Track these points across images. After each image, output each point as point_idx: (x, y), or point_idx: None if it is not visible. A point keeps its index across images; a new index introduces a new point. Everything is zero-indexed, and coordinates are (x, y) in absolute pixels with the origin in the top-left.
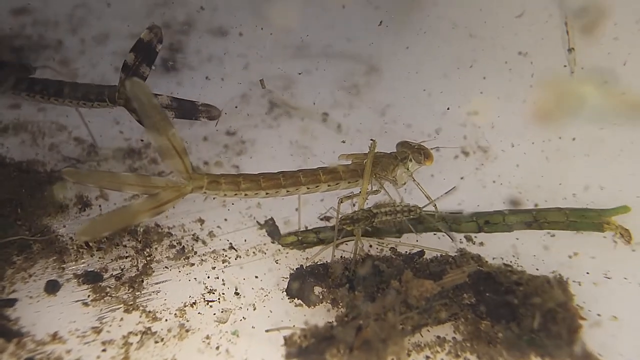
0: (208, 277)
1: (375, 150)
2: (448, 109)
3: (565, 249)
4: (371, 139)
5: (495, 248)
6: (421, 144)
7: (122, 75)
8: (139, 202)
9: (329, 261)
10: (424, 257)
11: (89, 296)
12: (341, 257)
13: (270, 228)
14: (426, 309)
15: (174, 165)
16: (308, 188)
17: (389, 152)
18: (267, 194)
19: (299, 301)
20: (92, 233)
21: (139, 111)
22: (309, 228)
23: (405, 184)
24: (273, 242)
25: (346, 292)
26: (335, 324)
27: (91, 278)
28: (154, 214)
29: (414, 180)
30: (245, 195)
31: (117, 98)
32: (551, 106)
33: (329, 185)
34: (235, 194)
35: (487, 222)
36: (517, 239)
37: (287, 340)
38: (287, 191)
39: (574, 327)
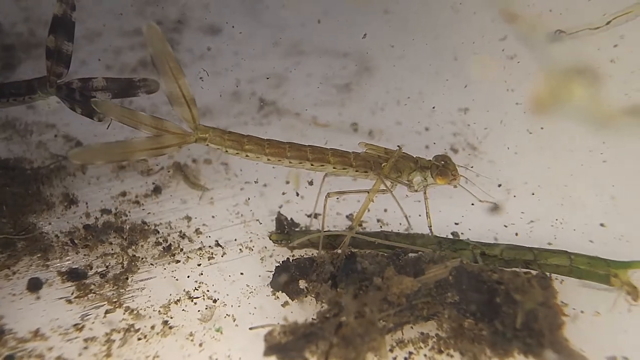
0: (193, 274)
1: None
2: (434, 108)
3: (541, 242)
4: (398, 145)
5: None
6: (452, 164)
7: (47, 63)
8: (138, 139)
9: (315, 254)
10: (409, 255)
11: (72, 293)
12: (327, 251)
13: (278, 222)
14: (409, 306)
15: (182, 113)
16: (312, 165)
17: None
18: (269, 160)
19: (284, 295)
20: (86, 158)
21: (153, 56)
22: (294, 222)
23: (417, 191)
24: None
25: (329, 289)
26: (316, 320)
27: (75, 275)
28: (152, 155)
29: (425, 193)
30: (247, 156)
31: (48, 87)
32: (543, 100)
33: (334, 168)
34: (237, 153)
35: (482, 253)
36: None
37: (267, 337)
38: (290, 162)
39: (557, 324)
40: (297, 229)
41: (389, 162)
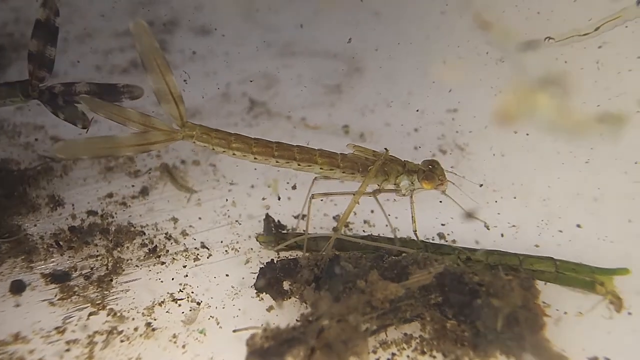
0: (178, 276)
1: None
2: (417, 110)
3: (527, 243)
4: (385, 148)
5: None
6: (440, 169)
7: (29, 67)
8: (124, 135)
9: (300, 256)
10: (392, 257)
11: (56, 296)
12: (312, 253)
13: (266, 224)
14: (392, 309)
15: (169, 110)
16: (299, 165)
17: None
18: (255, 158)
19: (268, 297)
20: (71, 152)
21: (140, 53)
22: (281, 224)
23: (405, 195)
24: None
25: (312, 292)
26: (299, 324)
27: (59, 277)
28: (138, 151)
29: (412, 197)
30: (234, 154)
31: (30, 91)
32: (509, 112)
33: (321, 169)
34: (224, 151)
35: (468, 258)
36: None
37: (249, 341)
38: (277, 162)
39: (538, 325)
40: (284, 231)
41: (375, 165)
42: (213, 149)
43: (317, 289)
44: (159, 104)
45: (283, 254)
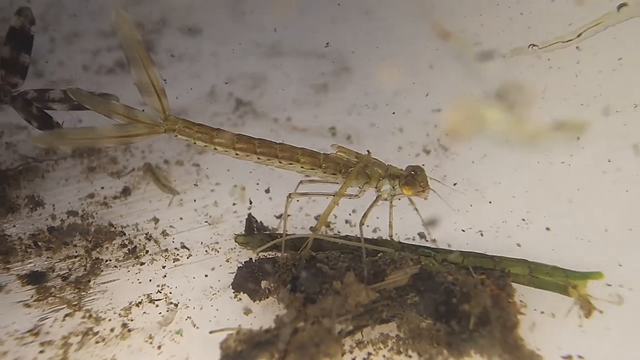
0: (157, 277)
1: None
2: (393, 113)
3: (507, 242)
4: (367, 150)
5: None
6: (423, 176)
7: (1, 72)
8: (106, 126)
9: (279, 255)
10: (370, 256)
11: (31, 297)
12: (290, 254)
13: (247, 224)
14: (368, 310)
15: (152, 103)
16: (281, 162)
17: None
18: (237, 154)
19: (247, 297)
20: (50, 141)
21: (121, 43)
22: (263, 225)
23: (386, 200)
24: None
25: (287, 294)
26: (273, 326)
27: (36, 278)
28: (120, 143)
29: (391, 202)
30: (216, 149)
31: (2, 96)
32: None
33: (302, 168)
34: (206, 146)
35: (444, 260)
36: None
37: (222, 345)
38: (259, 158)
39: (511, 324)
40: (267, 231)
41: (356, 167)
42: (195, 143)
43: (293, 290)
44: (142, 96)
45: (262, 254)
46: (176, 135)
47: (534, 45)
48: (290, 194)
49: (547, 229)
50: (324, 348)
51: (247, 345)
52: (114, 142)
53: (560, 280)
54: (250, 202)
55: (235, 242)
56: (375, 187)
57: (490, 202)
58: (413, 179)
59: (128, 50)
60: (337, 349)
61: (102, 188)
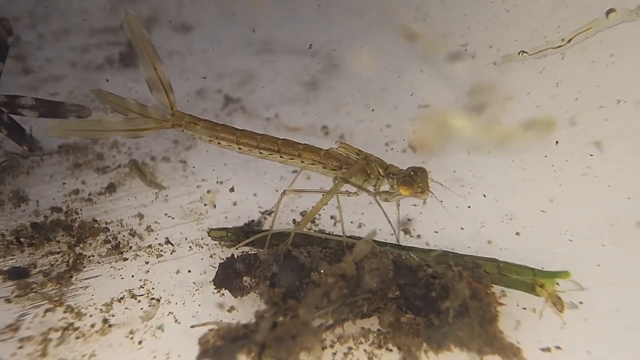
0: (140, 272)
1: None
2: (372, 110)
3: (486, 238)
4: (360, 151)
5: (438, 241)
6: (423, 177)
7: None
8: (116, 119)
9: (261, 251)
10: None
11: (12, 293)
12: (271, 249)
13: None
14: (348, 303)
15: (160, 99)
16: (282, 157)
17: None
18: (240, 149)
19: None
20: (62, 131)
21: (131, 41)
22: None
23: (387, 200)
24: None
25: (266, 289)
26: (253, 321)
27: (17, 274)
28: (129, 136)
29: (384, 201)
30: (219, 144)
31: None
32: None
33: (303, 162)
34: (210, 140)
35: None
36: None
37: (201, 340)
38: (261, 153)
39: (490, 317)
40: (255, 228)
41: (355, 166)
42: (200, 138)
43: (272, 286)
44: (151, 92)
45: (243, 249)
46: (182, 130)
47: (524, 52)
48: (285, 190)
49: (517, 234)
50: (302, 341)
51: (226, 340)
52: (124, 134)
53: (528, 279)
54: (215, 206)
55: (209, 236)
56: (374, 186)
57: (476, 198)
58: (411, 179)
59: (137, 47)
60: (316, 342)
61: (86, 184)
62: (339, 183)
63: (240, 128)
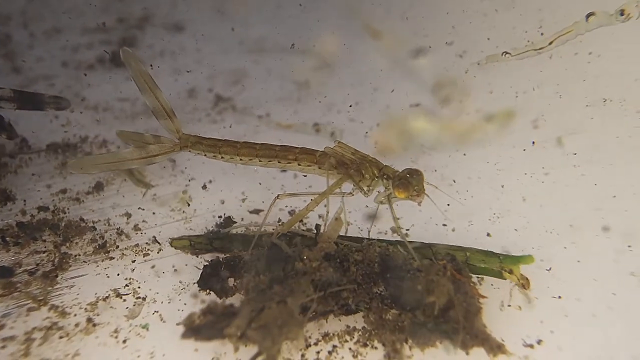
0: (126, 271)
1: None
2: (350, 106)
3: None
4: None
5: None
6: (418, 180)
7: None
8: (129, 150)
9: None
10: None
11: None
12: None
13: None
14: (333, 294)
15: (166, 125)
16: (279, 162)
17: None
18: (241, 159)
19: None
20: (82, 168)
21: (132, 76)
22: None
23: (382, 203)
24: None
25: (252, 278)
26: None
27: (1, 273)
28: (144, 164)
29: (380, 201)
30: (222, 158)
31: None
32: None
33: (299, 165)
34: (214, 156)
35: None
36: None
37: (185, 321)
38: (260, 161)
39: (474, 310)
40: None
41: (349, 170)
42: (205, 155)
43: (258, 274)
44: (157, 120)
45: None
46: (189, 151)
47: (507, 52)
48: (278, 194)
49: (512, 223)
50: (287, 331)
51: (212, 316)
52: (138, 163)
53: (494, 266)
54: (188, 205)
55: (171, 245)
56: (369, 187)
57: (465, 195)
58: (407, 182)
59: (138, 81)
60: (299, 333)
61: (74, 183)
62: (335, 184)
63: (242, 141)
